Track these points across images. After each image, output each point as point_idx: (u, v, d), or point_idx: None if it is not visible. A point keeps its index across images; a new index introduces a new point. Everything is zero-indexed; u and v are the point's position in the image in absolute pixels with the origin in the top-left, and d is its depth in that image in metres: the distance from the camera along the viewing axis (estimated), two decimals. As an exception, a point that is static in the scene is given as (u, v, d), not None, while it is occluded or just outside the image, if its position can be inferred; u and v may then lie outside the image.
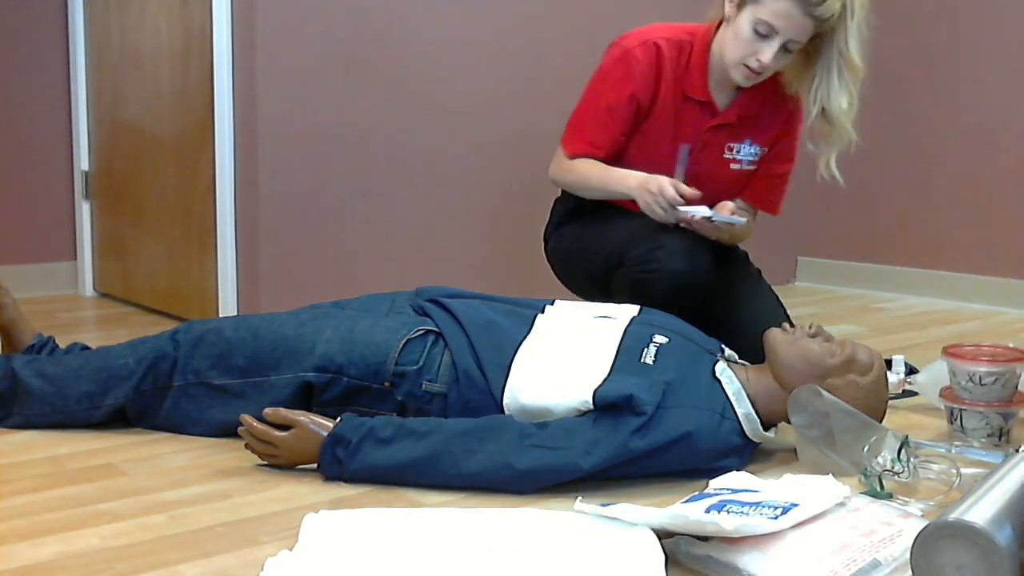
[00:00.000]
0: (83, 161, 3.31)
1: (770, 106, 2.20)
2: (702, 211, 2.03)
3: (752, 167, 2.24)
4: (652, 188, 2.03)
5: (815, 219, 3.82)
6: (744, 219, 2.10)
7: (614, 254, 2.10)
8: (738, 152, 2.21)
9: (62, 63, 3.27)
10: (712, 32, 2.13)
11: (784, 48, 2.03)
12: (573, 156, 2.19)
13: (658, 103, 2.14)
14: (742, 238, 2.28)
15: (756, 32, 2.02)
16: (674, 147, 2.10)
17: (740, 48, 2.05)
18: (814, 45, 2.05)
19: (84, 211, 3.33)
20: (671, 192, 2.01)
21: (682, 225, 2.06)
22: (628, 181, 2.09)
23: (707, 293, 2.08)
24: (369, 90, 2.80)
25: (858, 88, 2.06)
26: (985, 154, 3.44)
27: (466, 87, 2.98)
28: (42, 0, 3.23)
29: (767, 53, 2.02)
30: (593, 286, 2.16)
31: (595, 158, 2.17)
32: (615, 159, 2.18)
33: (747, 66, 2.06)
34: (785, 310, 2.22)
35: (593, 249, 2.18)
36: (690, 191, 2.03)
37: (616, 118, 2.14)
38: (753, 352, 1.82)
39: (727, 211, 2.09)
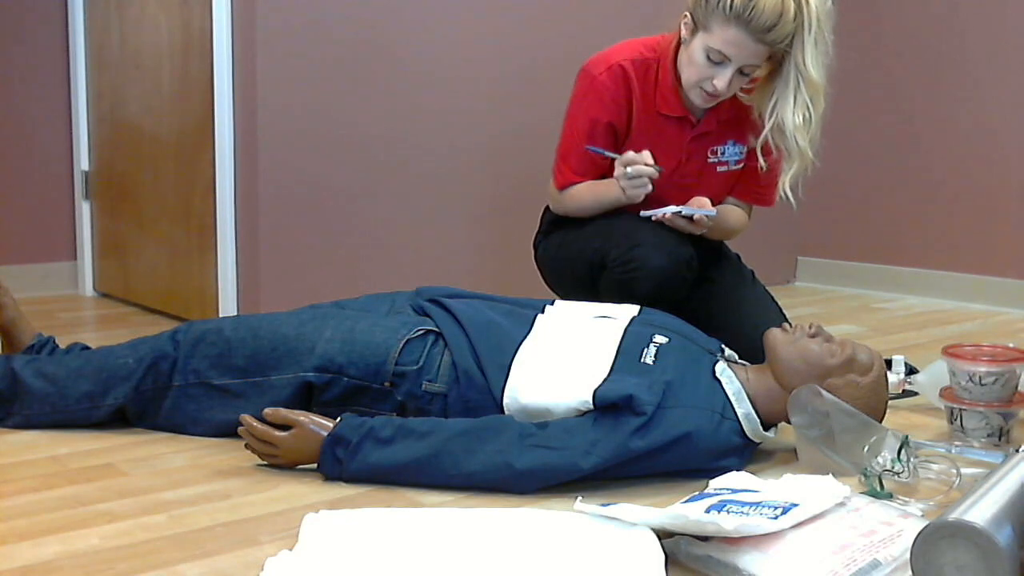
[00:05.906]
0: (83, 161, 3.31)
1: (747, 105, 2.19)
2: (670, 209, 2.05)
3: (739, 166, 2.24)
4: (623, 181, 2.06)
5: (815, 219, 3.82)
6: (715, 211, 2.09)
7: (596, 256, 2.12)
8: (723, 154, 2.21)
9: (62, 63, 3.27)
10: (674, 46, 2.12)
11: (740, 72, 2.03)
12: (563, 189, 2.22)
13: (634, 125, 2.15)
14: (733, 233, 2.28)
15: (709, 58, 2.01)
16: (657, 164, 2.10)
17: (695, 73, 2.05)
18: (773, 62, 2.04)
19: (84, 211, 3.33)
20: (633, 166, 2.03)
21: (664, 221, 2.07)
22: (614, 187, 2.11)
23: (691, 284, 2.09)
24: (369, 90, 2.80)
25: (819, 106, 2.03)
26: (985, 154, 3.44)
27: (466, 87, 2.98)
28: (42, 0, 3.23)
29: (721, 80, 2.02)
30: (582, 290, 2.16)
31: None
32: None
33: (704, 89, 2.06)
34: (781, 311, 2.22)
35: (576, 254, 2.19)
36: (643, 154, 2.05)
37: (597, 145, 2.16)
38: (748, 355, 1.82)
39: (697, 206, 2.09)
